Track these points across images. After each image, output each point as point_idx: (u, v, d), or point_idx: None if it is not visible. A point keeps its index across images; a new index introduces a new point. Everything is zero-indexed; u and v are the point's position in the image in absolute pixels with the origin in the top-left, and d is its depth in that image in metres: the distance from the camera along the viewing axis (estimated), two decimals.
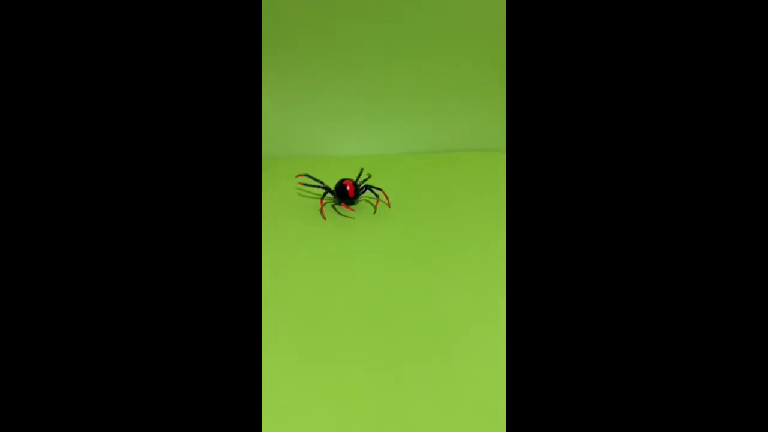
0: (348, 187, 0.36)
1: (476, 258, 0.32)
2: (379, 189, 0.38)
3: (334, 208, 0.38)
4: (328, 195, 0.40)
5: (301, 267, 0.31)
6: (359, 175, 0.39)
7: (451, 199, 0.39)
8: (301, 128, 0.48)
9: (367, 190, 0.37)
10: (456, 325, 0.25)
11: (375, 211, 0.38)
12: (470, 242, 0.33)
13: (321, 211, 0.37)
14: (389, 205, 0.38)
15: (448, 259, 0.32)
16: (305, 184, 0.38)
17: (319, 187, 0.37)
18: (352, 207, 0.38)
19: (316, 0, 0.44)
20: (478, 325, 0.25)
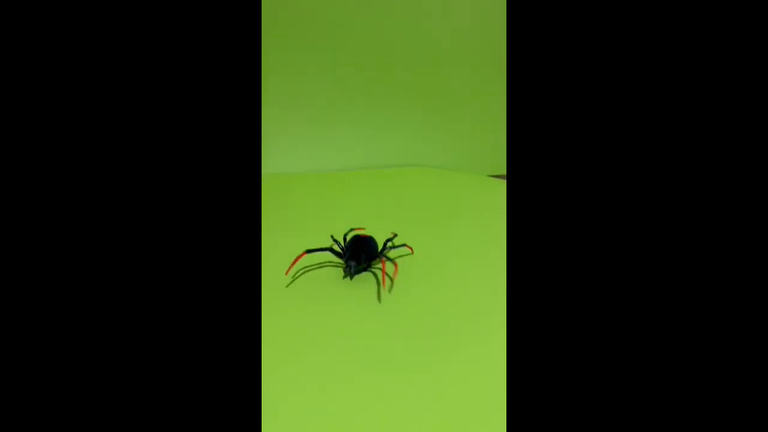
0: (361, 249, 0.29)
1: (478, 258, 0.32)
2: (398, 246, 0.31)
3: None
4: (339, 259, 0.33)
5: (300, 270, 0.31)
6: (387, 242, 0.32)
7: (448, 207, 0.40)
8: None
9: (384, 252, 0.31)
10: (459, 330, 0.25)
11: (384, 290, 0.29)
12: (471, 242, 0.34)
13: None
14: (412, 251, 0.33)
15: (451, 262, 0.32)
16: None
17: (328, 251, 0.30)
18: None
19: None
20: (480, 328, 0.25)
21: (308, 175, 0.47)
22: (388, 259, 0.29)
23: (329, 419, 0.20)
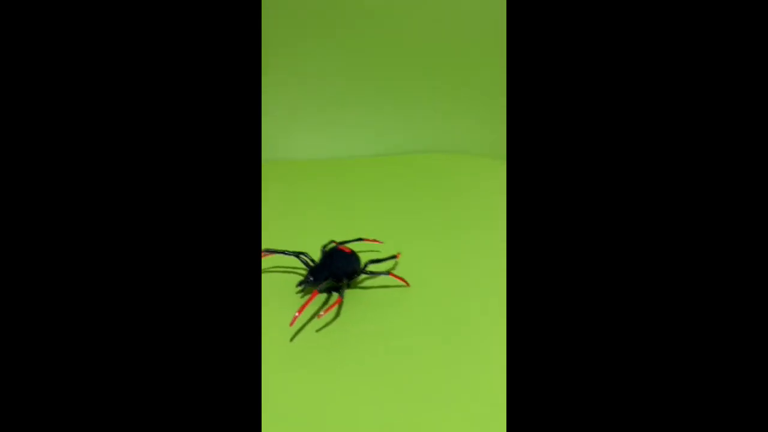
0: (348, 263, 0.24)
1: (478, 249, 0.32)
2: (383, 273, 0.26)
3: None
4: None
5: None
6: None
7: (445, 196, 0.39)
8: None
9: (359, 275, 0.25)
10: (459, 326, 0.25)
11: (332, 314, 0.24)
12: (471, 233, 0.34)
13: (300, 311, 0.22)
14: (407, 283, 0.27)
15: (450, 245, 0.32)
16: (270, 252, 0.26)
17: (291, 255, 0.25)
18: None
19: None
20: (479, 326, 0.25)
21: (313, 162, 0.46)
22: (340, 290, 0.23)
23: (326, 421, 0.20)
